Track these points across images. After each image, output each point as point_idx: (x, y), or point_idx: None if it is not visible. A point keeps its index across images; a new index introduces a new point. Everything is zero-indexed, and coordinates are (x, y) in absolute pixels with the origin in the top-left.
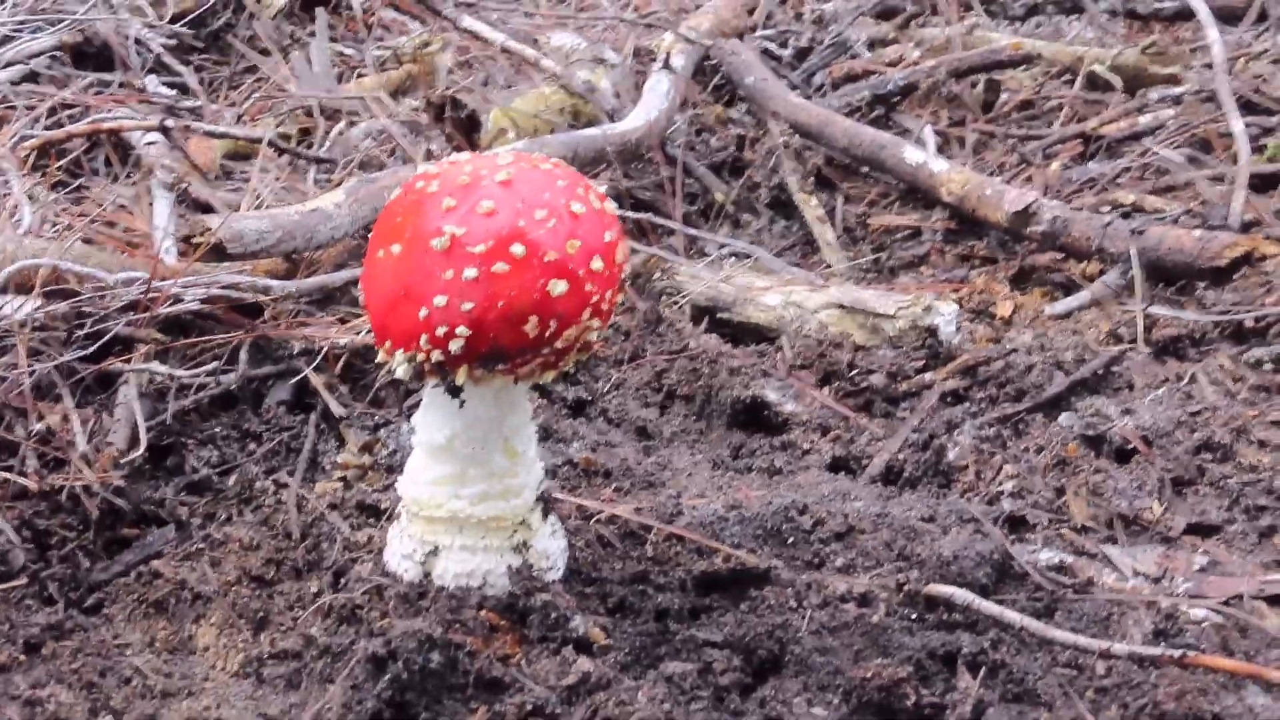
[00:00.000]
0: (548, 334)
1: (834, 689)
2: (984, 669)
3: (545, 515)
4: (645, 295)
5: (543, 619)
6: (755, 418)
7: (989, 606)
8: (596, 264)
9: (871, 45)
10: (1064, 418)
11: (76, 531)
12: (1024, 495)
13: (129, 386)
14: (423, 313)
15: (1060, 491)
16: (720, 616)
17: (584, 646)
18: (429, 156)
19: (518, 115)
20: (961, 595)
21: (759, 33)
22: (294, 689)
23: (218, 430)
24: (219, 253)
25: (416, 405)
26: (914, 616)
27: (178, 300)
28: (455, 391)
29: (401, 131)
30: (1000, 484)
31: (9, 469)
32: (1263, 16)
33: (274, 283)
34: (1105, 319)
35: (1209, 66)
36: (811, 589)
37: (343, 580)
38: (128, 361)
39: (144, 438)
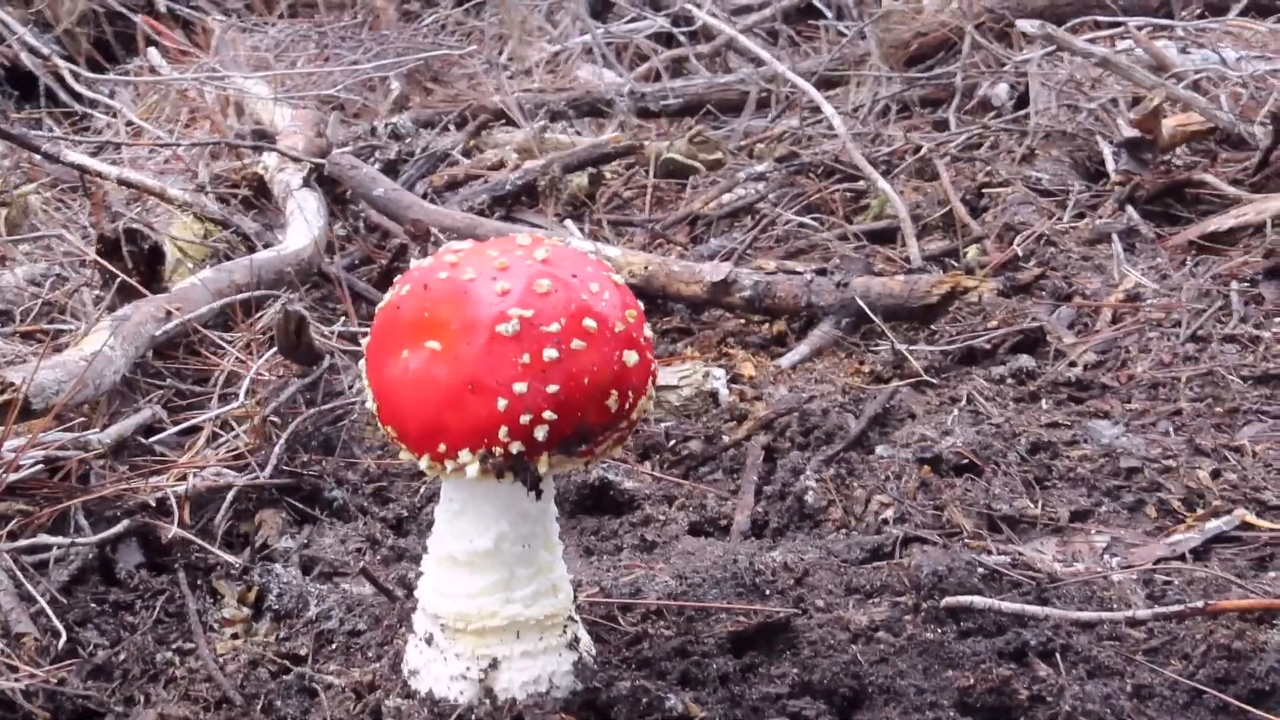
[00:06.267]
0: (626, 406)
1: (932, 706)
2: (1055, 655)
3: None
4: None
5: (632, 706)
6: (600, 501)
7: (1010, 605)
8: (647, 331)
9: (467, 153)
10: (881, 449)
11: None
12: (906, 519)
13: None
14: (502, 403)
15: (939, 508)
16: (771, 670)
17: None
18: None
19: (184, 245)
20: (981, 601)
21: (337, 150)
22: None
23: (91, 606)
24: (21, 411)
25: (264, 548)
26: (940, 630)
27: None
28: (535, 483)
29: (82, 271)
30: (879, 513)
31: None
32: (762, 104)
33: (91, 436)
34: (844, 363)
35: (734, 152)
36: (832, 627)
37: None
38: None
39: (56, 622)
